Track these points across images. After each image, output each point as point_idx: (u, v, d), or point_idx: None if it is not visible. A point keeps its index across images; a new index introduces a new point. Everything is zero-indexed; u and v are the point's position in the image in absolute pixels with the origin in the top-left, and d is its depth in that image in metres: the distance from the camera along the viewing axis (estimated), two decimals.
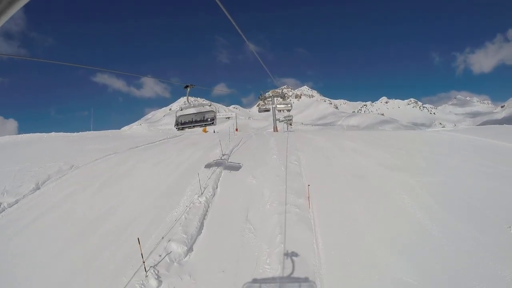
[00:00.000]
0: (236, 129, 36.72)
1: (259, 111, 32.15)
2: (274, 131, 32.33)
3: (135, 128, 30.08)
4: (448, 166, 15.02)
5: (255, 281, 7.03)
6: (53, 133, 30.33)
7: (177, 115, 10.98)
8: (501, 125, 34.11)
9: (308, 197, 10.74)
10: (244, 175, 13.27)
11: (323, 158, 16.55)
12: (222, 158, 15.62)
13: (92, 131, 32.92)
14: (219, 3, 4.97)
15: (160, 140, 24.34)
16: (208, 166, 14.21)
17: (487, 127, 35.79)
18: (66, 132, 32.08)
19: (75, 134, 30.33)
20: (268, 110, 32.01)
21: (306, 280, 6.90)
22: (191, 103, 11.67)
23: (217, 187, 12.07)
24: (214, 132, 44.93)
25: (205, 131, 36.32)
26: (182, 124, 10.80)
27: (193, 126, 10.72)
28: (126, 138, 25.60)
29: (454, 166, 15.07)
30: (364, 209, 10.27)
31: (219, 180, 12.75)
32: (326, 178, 13.21)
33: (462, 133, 26.34)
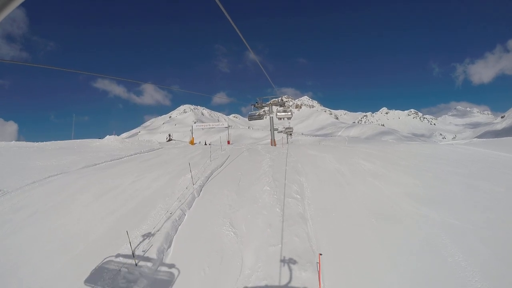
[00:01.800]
0: (228, 142, 32.27)
1: (250, 119, 27.62)
2: (271, 144, 27.70)
3: (107, 139, 25.55)
4: (492, 196, 10.91)
5: None
6: (13, 142, 26.06)
7: None
8: None
9: (319, 270, 6.26)
10: (218, 222, 8.56)
11: (334, 187, 12.06)
12: (192, 189, 11.06)
13: (66, 141, 28.31)
14: (225, 12, 4.93)
15: (128, 156, 19.85)
16: (165, 203, 9.66)
17: (502, 139, 31.72)
18: (41, 141, 27.87)
19: (36, 144, 25.84)
20: (260, 118, 27.47)
21: None
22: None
23: (169, 247, 7.44)
24: (205, 144, 40.49)
25: (192, 143, 31.81)
26: None
27: None
28: (91, 152, 21.07)
29: (498, 194, 10.90)
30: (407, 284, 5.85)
31: (176, 231, 8.14)
32: (342, 223, 8.68)
33: (480, 147, 22.81)
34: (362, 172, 14.48)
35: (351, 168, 15.22)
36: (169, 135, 41.33)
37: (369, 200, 10.56)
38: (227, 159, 16.82)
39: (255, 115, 27.37)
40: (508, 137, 36.09)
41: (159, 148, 23.97)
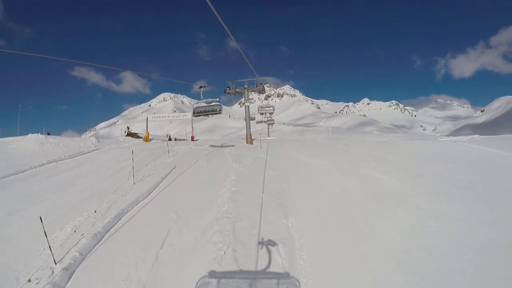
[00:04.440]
0: (192, 138, 25.79)
1: (195, 114, 18.32)
2: (246, 142, 21.46)
3: (28, 139, 18.55)
4: None
5: None
6: None
7: None
8: None
9: None
10: None
11: (352, 239, 6.28)
12: (47, 281, 4.80)
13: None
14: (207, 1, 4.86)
15: (37, 166, 13.43)
16: None
17: (503, 137, 27.22)
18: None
19: None
20: (215, 112, 17.73)
21: None
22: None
23: None
24: (169, 139, 33.78)
25: (147, 140, 25.15)
26: None
27: None
28: None
29: None
30: None
31: None
32: None
33: (485, 146, 17.99)
34: (381, 193, 9.04)
35: (363, 185, 9.66)
36: (128, 128, 34.43)
37: (420, 275, 5.01)
38: (167, 175, 10.49)
39: (203, 109, 17.79)
40: (509, 135, 31.94)
41: (92, 151, 17.43)
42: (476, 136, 29.15)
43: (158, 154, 14.46)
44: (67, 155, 15.92)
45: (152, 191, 8.95)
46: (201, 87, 16.92)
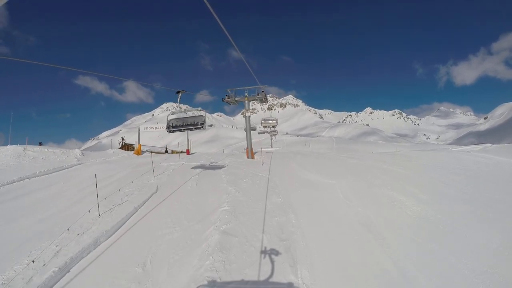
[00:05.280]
0: (188, 151, 23.92)
1: (169, 129, 12.08)
2: (247, 156, 19.45)
3: (5, 151, 16.55)
4: None
5: None
6: None
7: None
8: None
9: None
10: None
11: None
12: None
13: None
14: (211, 9, 4.76)
15: (4, 184, 11.72)
16: None
17: None
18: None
19: None
20: (197, 125, 11.73)
21: None
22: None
23: None
24: (166, 151, 31.98)
25: (138, 153, 23.21)
26: None
27: None
28: None
29: None
30: None
31: None
32: None
33: (501, 156, 16.75)
34: (407, 221, 7.42)
35: (385, 213, 7.88)
36: (122, 139, 32.70)
37: None
38: (144, 203, 8.50)
39: (179, 122, 12.01)
40: None
41: (73, 166, 15.52)
42: (488, 145, 27.32)
43: (143, 172, 12.52)
44: (42, 170, 14.05)
45: (120, 228, 6.89)
46: (178, 91, 12.53)
